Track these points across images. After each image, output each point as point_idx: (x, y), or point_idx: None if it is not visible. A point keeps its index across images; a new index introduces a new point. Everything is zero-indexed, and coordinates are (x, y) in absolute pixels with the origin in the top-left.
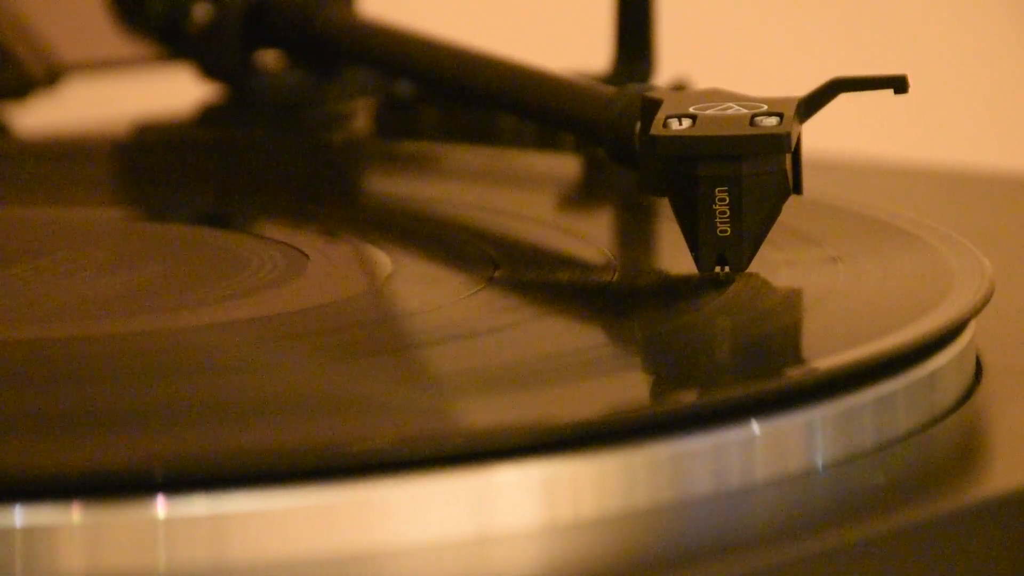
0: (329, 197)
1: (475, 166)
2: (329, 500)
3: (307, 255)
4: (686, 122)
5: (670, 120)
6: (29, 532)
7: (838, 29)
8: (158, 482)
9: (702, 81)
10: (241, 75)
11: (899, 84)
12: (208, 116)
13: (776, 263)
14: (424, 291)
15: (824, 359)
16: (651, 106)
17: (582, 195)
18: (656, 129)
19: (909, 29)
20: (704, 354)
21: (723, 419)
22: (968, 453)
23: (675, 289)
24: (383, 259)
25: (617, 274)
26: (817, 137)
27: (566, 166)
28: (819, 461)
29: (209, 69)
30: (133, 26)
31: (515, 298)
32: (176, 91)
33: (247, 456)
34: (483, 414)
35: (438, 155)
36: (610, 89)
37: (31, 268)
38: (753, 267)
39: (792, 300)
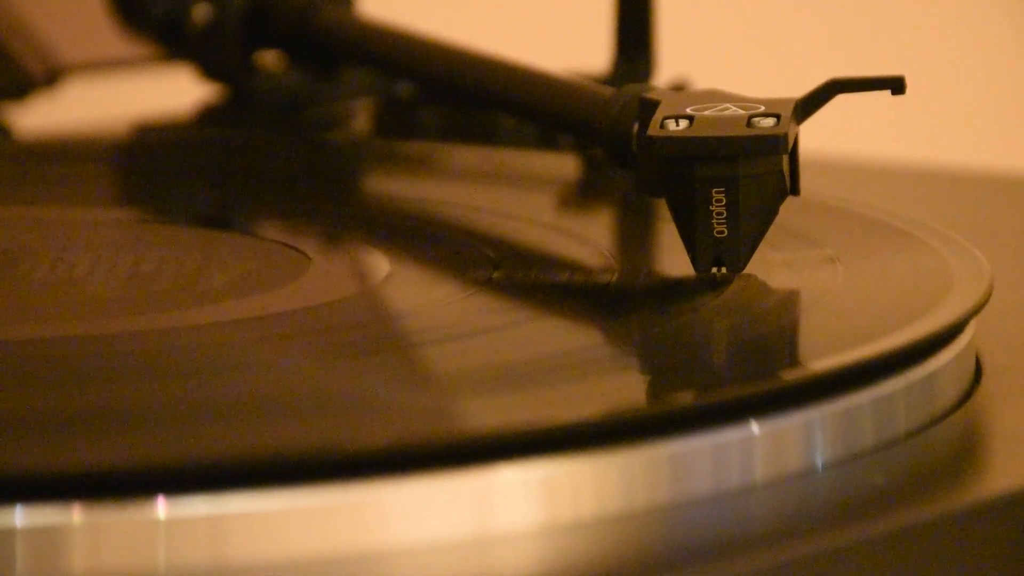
0: (329, 197)
1: (475, 166)
2: (329, 500)
3: (307, 255)
4: (683, 123)
5: (667, 121)
6: (29, 532)
7: (838, 29)
8: (158, 482)
9: (701, 82)
10: (241, 75)
11: (896, 85)
12: (208, 116)
13: (775, 263)
14: (423, 291)
15: (823, 359)
16: (649, 107)
17: (581, 195)
18: (653, 130)
19: (909, 29)
20: (703, 354)
21: (722, 419)
22: (968, 453)
23: (674, 289)
24: (382, 259)
25: (616, 275)
26: (816, 137)
27: (566, 166)
28: (819, 461)
29: (209, 69)
30: (133, 26)
31: (514, 298)
32: (176, 91)
33: (247, 456)
34: (483, 414)
35: (438, 155)
36: (608, 90)
37: (31, 268)
38: (752, 268)
39: (791, 300)
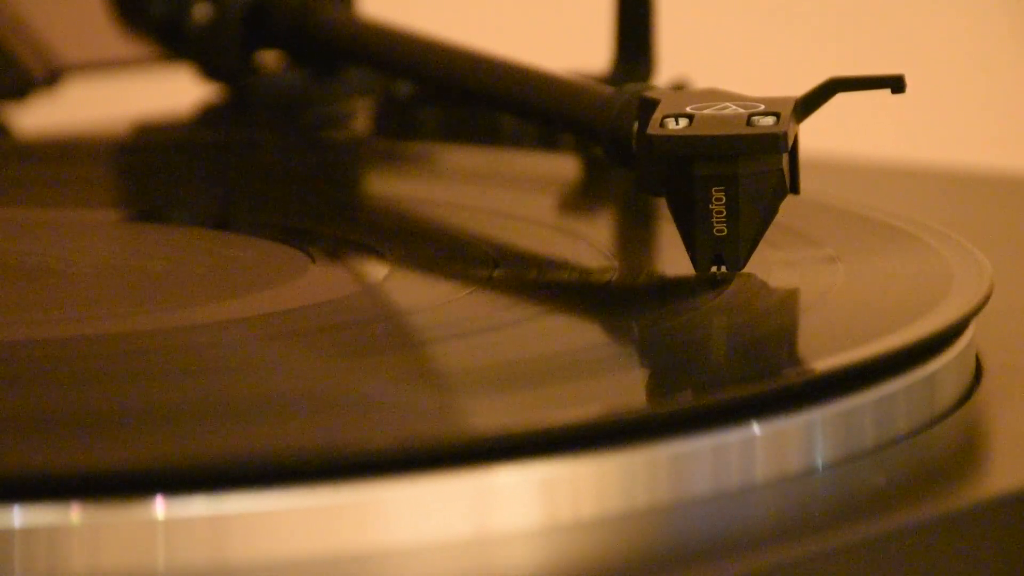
0: (329, 196)
1: (475, 166)
2: (329, 500)
3: (307, 255)
4: (683, 122)
5: (667, 120)
6: (29, 532)
7: (837, 29)
8: (157, 482)
9: (701, 81)
10: (241, 75)
11: (896, 84)
12: (208, 116)
13: (775, 263)
14: (423, 290)
15: (824, 359)
16: (649, 106)
17: (582, 195)
18: (653, 129)
19: (908, 29)
20: (704, 354)
21: (723, 419)
22: (968, 453)
23: (674, 289)
24: (383, 258)
25: (616, 274)
26: (816, 137)
27: (566, 166)
28: (819, 461)
29: (209, 69)
30: (133, 26)
31: (514, 298)
32: (176, 91)
33: (247, 456)
34: (483, 414)
35: (438, 155)
36: (608, 89)
37: (31, 268)
38: (753, 267)
39: (791, 300)
